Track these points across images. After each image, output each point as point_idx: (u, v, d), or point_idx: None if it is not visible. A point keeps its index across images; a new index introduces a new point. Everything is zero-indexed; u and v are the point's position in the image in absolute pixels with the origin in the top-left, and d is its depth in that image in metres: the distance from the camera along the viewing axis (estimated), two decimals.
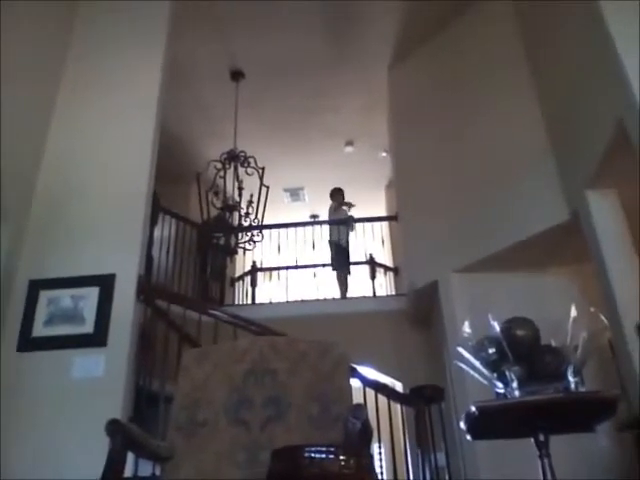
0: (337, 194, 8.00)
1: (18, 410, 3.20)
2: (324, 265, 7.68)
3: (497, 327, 2.10)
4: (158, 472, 2.62)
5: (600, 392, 1.94)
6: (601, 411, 1.90)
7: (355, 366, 3.01)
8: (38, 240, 3.67)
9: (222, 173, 6.48)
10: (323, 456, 0.76)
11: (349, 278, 7.47)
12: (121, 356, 3.40)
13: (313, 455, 0.75)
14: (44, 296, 3.45)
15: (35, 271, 3.55)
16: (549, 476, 1.92)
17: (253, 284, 7.76)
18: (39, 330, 3.37)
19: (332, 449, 0.77)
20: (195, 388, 2.23)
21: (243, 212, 6.59)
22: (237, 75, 6.62)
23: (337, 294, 7.38)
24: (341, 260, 7.48)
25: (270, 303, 7.43)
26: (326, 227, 7.79)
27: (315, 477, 0.74)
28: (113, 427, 1.93)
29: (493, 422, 1.99)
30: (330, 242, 7.65)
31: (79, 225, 3.72)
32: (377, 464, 4.61)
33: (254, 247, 6.81)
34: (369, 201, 8.90)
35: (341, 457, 0.76)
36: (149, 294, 3.68)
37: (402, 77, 6.53)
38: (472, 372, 2.16)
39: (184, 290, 6.27)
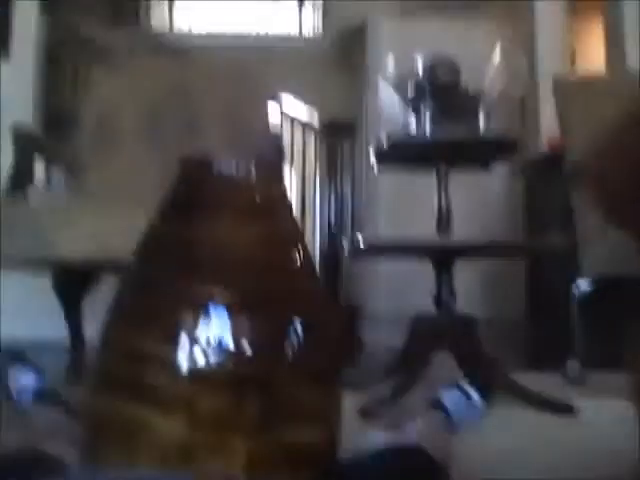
0: None
1: None
2: None
3: (420, 63, 2.08)
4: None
5: (504, 134, 2.04)
6: (502, 151, 2.04)
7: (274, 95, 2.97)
8: None
9: None
10: (233, 170, 0.75)
11: None
12: (26, 72, 3.18)
13: (223, 168, 0.75)
14: None
15: None
16: (444, 208, 2.08)
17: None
18: None
19: (244, 163, 0.76)
20: (107, 103, 2.15)
21: None
22: None
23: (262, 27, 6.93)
24: None
25: (189, 33, 6.93)
26: None
27: (223, 191, 0.74)
28: (17, 133, 1.87)
29: (399, 156, 2.09)
30: None
31: None
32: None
33: None
34: None
35: (253, 171, 0.75)
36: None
37: None
38: (389, 109, 2.19)
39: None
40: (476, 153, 2.02)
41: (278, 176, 0.80)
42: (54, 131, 3.65)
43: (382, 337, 4.33)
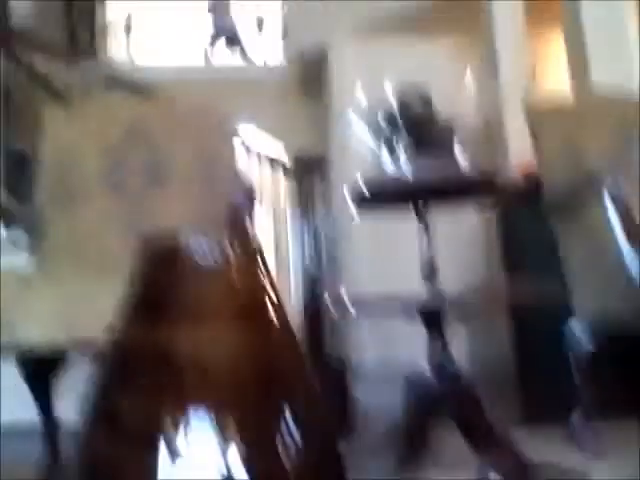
0: None
1: None
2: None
3: (389, 92, 2.01)
4: None
5: (488, 173, 1.96)
6: (484, 188, 1.96)
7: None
8: None
9: None
10: (204, 252, 0.65)
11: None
12: None
13: (193, 250, 0.65)
14: None
15: None
16: (428, 253, 1.99)
17: (128, 30, 6.91)
18: None
19: (215, 242, 0.66)
20: (64, 151, 2.02)
21: None
22: None
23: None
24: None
25: (147, 67, 6.79)
26: None
27: (195, 283, 0.64)
28: None
29: (378, 199, 2.00)
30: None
31: None
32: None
33: None
34: None
35: (226, 252, 0.65)
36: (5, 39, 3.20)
37: None
38: (359, 142, 2.10)
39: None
40: (458, 192, 1.94)
41: (255, 252, 0.70)
42: (15, 183, 3.47)
43: (374, 397, 4.17)
